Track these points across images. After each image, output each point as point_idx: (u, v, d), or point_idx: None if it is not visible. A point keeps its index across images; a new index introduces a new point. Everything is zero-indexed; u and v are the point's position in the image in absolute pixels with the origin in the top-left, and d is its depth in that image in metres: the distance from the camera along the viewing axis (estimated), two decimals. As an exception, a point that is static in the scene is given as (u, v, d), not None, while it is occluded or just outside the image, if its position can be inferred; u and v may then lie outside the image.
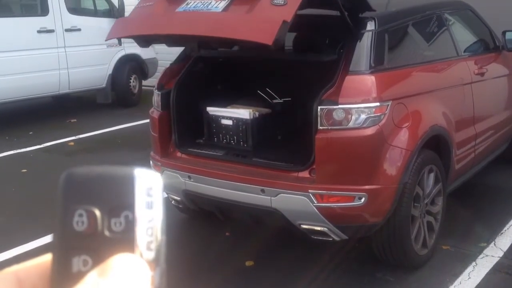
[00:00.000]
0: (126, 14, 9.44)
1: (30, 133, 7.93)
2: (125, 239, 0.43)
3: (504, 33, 5.33)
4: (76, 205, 0.43)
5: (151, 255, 0.44)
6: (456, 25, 5.05)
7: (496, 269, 3.92)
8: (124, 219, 0.43)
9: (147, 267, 0.43)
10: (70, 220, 0.43)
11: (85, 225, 0.43)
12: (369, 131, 3.43)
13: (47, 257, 0.45)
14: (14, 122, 8.54)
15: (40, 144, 7.30)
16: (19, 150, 7.04)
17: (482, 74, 4.77)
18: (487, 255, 4.09)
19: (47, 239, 4.27)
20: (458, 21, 5.14)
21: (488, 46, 5.30)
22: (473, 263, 3.98)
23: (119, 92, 9.60)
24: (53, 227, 0.44)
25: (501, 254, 4.11)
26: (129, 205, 0.43)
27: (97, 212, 0.43)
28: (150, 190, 0.44)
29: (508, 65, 5.43)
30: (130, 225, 0.43)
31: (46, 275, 0.45)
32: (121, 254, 0.43)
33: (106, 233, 0.43)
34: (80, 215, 0.43)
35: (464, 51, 4.84)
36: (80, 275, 0.42)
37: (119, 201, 0.43)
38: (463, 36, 5.07)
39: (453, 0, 5.25)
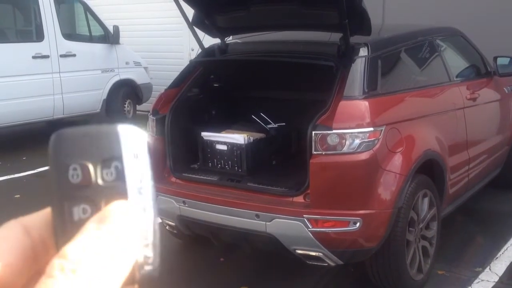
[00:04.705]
0: (121, 40, 9.53)
1: (24, 158, 7.90)
2: (118, 187, 0.47)
3: (495, 58, 5.40)
4: (69, 161, 0.47)
5: (142, 199, 0.47)
6: (448, 51, 5.12)
7: (492, 294, 3.91)
8: (114, 169, 0.47)
9: (140, 212, 0.47)
10: (65, 174, 0.47)
11: (80, 178, 0.47)
12: (363, 156, 3.45)
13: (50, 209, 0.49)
14: (8, 148, 8.52)
15: (33, 169, 7.27)
16: (12, 176, 7.01)
17: (474, 99, 4.81)
18: (482, 280, 4.07)
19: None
20: (450, 47, 5.20)
21: (479, 71, 5.36)
22: (469, 288, 3.97)
23: (113, 117, 9.60)
24: (49, 182, 0.48)
25: (496, 279, 4.10)
26: (118, 157, 0.47)
27: (90, 165, 0.47)
28: (135, 142, 0.48)
29: (500, 90, 5.49)
30: (120, 174, 0.47)
31: (51, 224, 0.48)
32: (116, 201, 0.46)
33: (100, 182, 0.47)
34: (74, 169, 0.47)
35: (456, 77, 4.89)
36: (81, 222, 0.46)
37: (108, 154, 0.47)
38: (455, 61, 5.13)
39: (444, 26, 5.32)
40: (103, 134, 0.48)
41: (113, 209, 0.46)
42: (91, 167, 0.47)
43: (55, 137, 0.48)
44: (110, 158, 0.47)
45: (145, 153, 0.48)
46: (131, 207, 0.46)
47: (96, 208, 0.46)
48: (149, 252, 0.47)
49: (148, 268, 0.47)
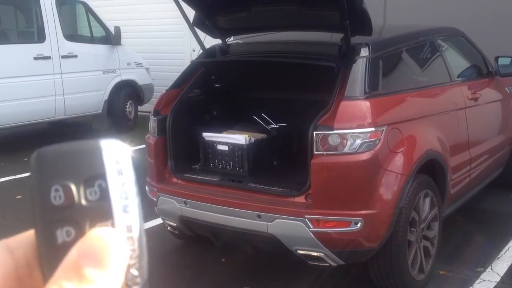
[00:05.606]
0: (123, 41, 9.54)
1: (25, 159, 7.90)
2: (102, 206, 0.45)
3: (496, 58, 5.40)
4: (51, 181, 0.45)
5: (128, 217, 0.46)
6: (449, 51, 5.11)
7: (493, 294, 3.91)
8: (98, 188, 0.46)
9: (126, 241, 0.45)
10: (47, 196, 0.45)
11: (63, 199, 0.45)
12: (365, 156, 3.45)
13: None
14: (10, 148, 8.53)
15: (35, 170, 7.28)
16: (14, 176, 7.02)
17: (475, 99, 4.81)
18: (484, 280, 4.07)
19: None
20: (451, 47, 5.20)
21: (481, 71, 5.36)
22: (470, 288, 3.97)
23: (115, 118, 9.62)
24: (31, 204, 0.46)
25: (498, 279, 4.09)
26: (101, 174, 0.46)
27: (72, 185, 0.45)
28: (118, 158, 0.47)
29: (501, 90, 5.48)
30: (104, 192, 0.46)
31: (35, 245, 0.47)
32: (100, 229, 0.45)
33: (84, 203, 0.45)
34: (56, 190, 0.45)
35: (458, 77, 4.89)
36: (65, 245, 0.45)
37: (91, 172, 0.46)
38: (457, 61, 5.12)
39: (446, 26, 5.32)
40: (85, 151, 0.46)
41: (95, 240, 0.44)
42: (73, 187, 0.45)
43: (35, 156, 0.46)
44: (93, 176, 0.46)
45: (130, 169, 0.47)
46: (115, 236, 0.45)
47: (80, 230, 0.45)
48: (136, 272, 0.46)
49: (135, 287, 0.46)
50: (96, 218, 0.45)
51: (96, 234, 0.44)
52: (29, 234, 0.48)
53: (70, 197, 0.45)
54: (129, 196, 0.46)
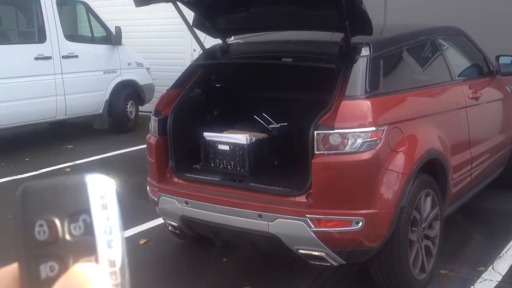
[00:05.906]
0: (123, 40, 9.54)
1: (26, 159, 7.91)
2: (86, 241, 0.46)
3: (497, 57, 5.39)
4: (36, 217, 0.46)
5: (111, 252, 0.46)
6: (450, 50, 5.11)
7: (495, 293, 3.91)
8: (82, 223, 0.46)
9: (108, 275, 0.46)
10: (31, 231, 0.46)
11: (47, 234, 0.46)
12: (366, 156, 3.45)
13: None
14: (10, 149, 8.53)
15: (36, 170, 7.29)
16: (15, 177, 7.02)
17: (476, 99, 4.80)
18: (485, 279, 4.07)
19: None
20: (452, 46, 5.20)
21: (482, 70, 5.36)
22: (472, 288, 3.97)
23: (116, 118, 9.63)
24: (15, 239, 0.46)
25: (499, 278, 4.09)
26: (86, 209, 0.46)
27: (56, 220, 0.46)
28: (103, 192, 0.47)
29: (502, 89, 5.48)
30: (89, 227, 0.46)
31: (18, 279, 0.47)
32: (83, 265, 0.45)
33: (68, 238, 0.46)
34: (41, 225, 0.46)
35: (459, 76, 4.89)
36: (49, 280, 0.45)
37: (75, 207, 0.46)
38: (457, 61, 5.12)
39: (447, 25, 5.32)
40: (70, 186, 0.47)
41: (77, 276, 0.44)
42: (58, 222, 0.46)
43: (21, 192, 0.47)
44: (78, 211, 0.46)
45: (114, 203, 0.47)
46: (98, 272, 0.45)
47: (64, 265, 0.45)
48: None
49: None
50: (80, 253, 0.46)
51: (79, 270, 0.45)
52: (13, 268, 0.48)
53: (54, 232, 0.46)
54: (113, 230, 0.47)
